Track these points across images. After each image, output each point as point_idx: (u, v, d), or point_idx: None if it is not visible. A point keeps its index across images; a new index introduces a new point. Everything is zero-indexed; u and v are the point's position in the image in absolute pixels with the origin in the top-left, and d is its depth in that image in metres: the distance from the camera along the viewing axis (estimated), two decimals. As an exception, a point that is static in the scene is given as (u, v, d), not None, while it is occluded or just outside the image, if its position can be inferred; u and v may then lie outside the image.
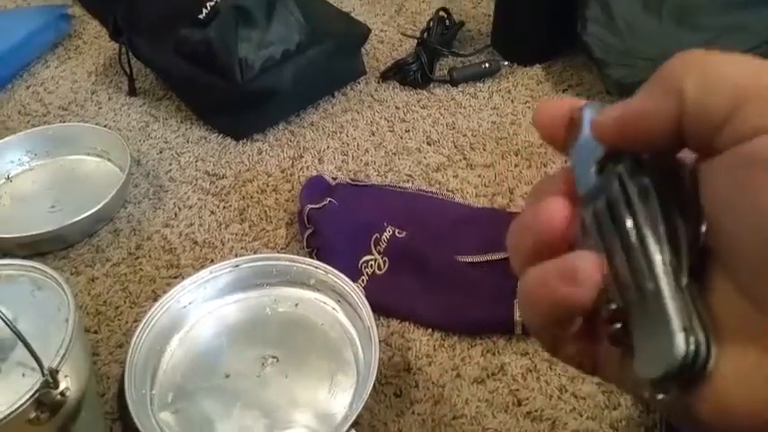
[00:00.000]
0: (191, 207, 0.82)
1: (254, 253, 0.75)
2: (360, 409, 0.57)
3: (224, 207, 0.82)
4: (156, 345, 0.65)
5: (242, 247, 0.77)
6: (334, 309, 0.69)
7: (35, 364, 0.52)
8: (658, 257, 0.22)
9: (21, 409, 0.49)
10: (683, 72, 0.22)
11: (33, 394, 0.50)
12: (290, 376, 0.64)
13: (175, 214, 0.81)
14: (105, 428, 0.60)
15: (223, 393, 0.62)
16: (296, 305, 0.69)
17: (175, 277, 0.74)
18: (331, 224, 0.72)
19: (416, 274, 0.69)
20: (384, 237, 0.71)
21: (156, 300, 0.71)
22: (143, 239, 0.78)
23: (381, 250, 0.71)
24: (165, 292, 0.71)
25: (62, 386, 0.51)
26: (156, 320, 0.65)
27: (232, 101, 0.88)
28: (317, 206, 0.74)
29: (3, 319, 0.48)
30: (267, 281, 0.70)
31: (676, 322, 0.21)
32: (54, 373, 0.51)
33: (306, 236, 0.73)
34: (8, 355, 0.54)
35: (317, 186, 0.78)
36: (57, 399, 0.52)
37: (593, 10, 0.85)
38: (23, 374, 0.52)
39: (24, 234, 0.76)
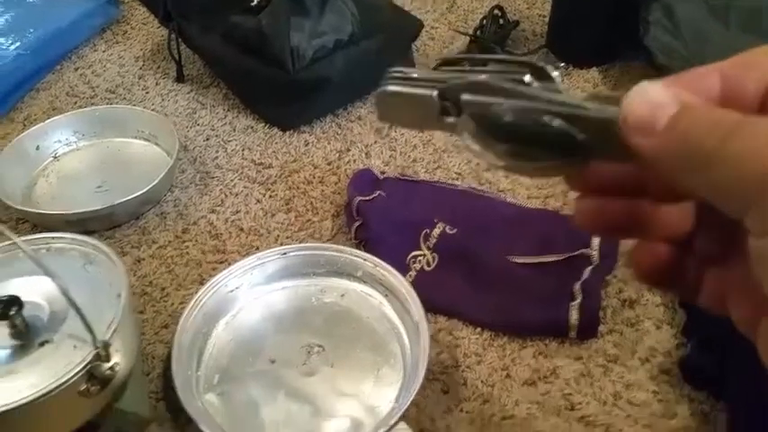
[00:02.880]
0: (237, 194, 0.82)
1: (300, 243, 0.74)
2: (408, 403, 0.56)
3: (270, 196, 0.81)
4: (203, 327, 0.64)
5: (287, 237, 0.76)
6: (380, 302, 0.67)
7: (86, 337, 0.51)
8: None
9: (73, 380, 0.49)
10: None
11: (85, 366, 0.49)
12: (336, 366, 0.62)
13: (222, 201, 0.81)
14: (150, 407, 0.59)
15: (268, 379, 0.61)
16: (342, 296, 0.68)
17: (221, 262, 0.73)
18: (380, 217, 0.71)
19: (466, 272, 0.68)
20: (434, 233, 0.70)
21: (202, 283, 0.70)
22: (189, 224, 0.78)
23: (431, 246, 0.70)
24: (210, 276, 0.71)
25: (113, 360, 0.51)
26: (204, 303, 0.65)
27: (282, 90, 0.88)
28: (367, 198, 0.73)
29: (61, 290, 0.48)
30: (314, 270, 0.69)
31: None
32: (107, 345, 0.50)
33: (354, 228, 0.73)
34: (60, 327, 0.53)
35: (365, 179, 0.78)
36: (106, 373, 0.51)
37: (655, 14, 0.83)
38: (75, 347, 0.52)
39: (72, 211, 0.76)
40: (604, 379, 0.61)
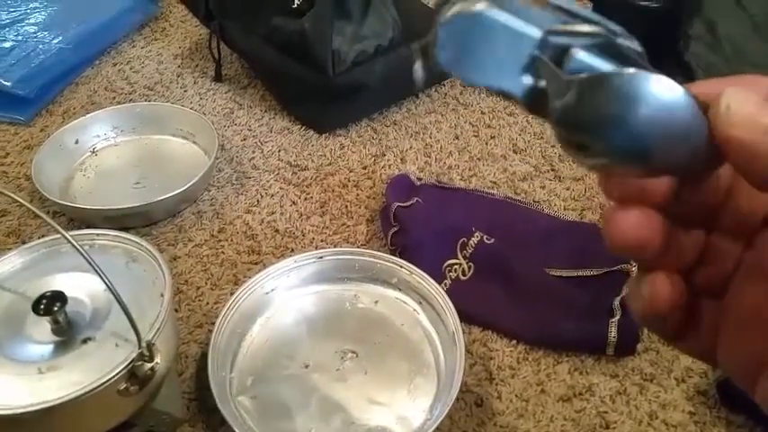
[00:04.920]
0: (272, 195, 0.82)
1: (335, 247, 0.74)
2: (443, 416, 0.56)
3: (305, 198, 0.81)
4: (237, 328, 0.64)
5: (322, 240, 0.76)
6: (415, 310, 0.67)
7: (129, 336, 0.52)
8: None
9: (114, 378, 0.49)
10: None
11: (128, 365, 0.50)
12: (369, 373, 0.63)
13: (258, 201, 0.81)
14: (182, 407, 0.60)
15: (302, 383, 0.62)
16: (376, 302, 0.68)
17: (256, 263, 0.73)
18: (418, 224, 0.71)
19: (503, 284, 0.67)
20: (471, 242, 0.70)
21: (236, 283, 0.71)
22: (225, 223, 0.78)
23: (467, 255, 0.69)
24: (246, 276, 0.71)
25: (155, 360, 0.51)
26: (240, 304, 0.65)
27: (321, 93, 0.88)
28: (405, 204, 0.73)
29: (109, 289, 0.48)
30: (349, 275, 0.70)
31: None
32: (150, 345, 0.50)
33: (390, 234, 0.72)
34: (102, 325, 0.54)
35: (402, 185, 0.77)
36: (147, 373, 0.51)
37: (697, 28, 0.82)
38: (117, 345, 0.52)
39: (111, 207, 0.77)
40: (640, 398, 0.60)
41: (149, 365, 0.50)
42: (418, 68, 0.22)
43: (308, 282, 0.69)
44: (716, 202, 0.24)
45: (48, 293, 0.54)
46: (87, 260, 0.47)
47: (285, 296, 0.68)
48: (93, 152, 0.89)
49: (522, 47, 0.21)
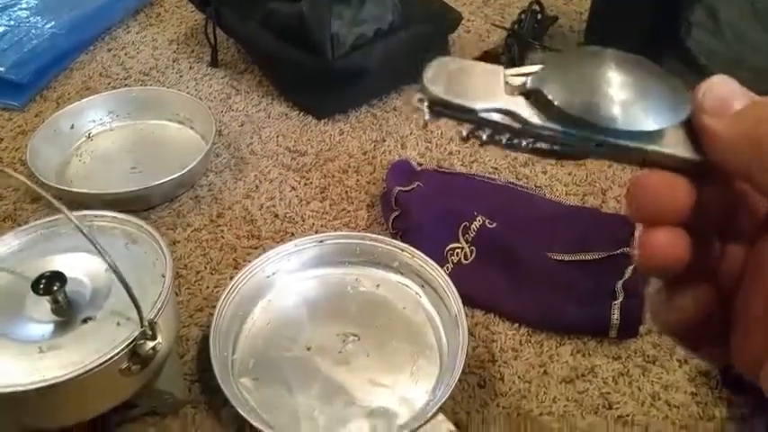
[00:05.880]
0: (271, 181, 0.81)
1: (336, 231, 0.74)
2: (446, 397, 0.56)
3: (305, 183, 0.81)
4: (239, 311, 0.64)
5: (322, 225, 0.76)
6: (417, 293, 0.67)
7: (130, 315, 0.51)
8: None
9: (116, 357, 0.49)
10: None
11: (130, 344, 0.49)
12: (371, 355, 0.62)
13: (256, 187, 0.81)
14: (184, 388, 0.59)
15: (304, 365, 0.61)
16: (377, 286, 0.68)
17: (256, 248, 0.73)
18: (420, 208, 0.70)
19: (505, 268, 0.67)
20: (473, 226, 0.69)
21: (236, 268, 0.70)
22: (224, 208, 0.78)
23: (469, 239, 0.69)
24: (245, 261, 0.71)
25: (157, 339, 0.50)
26: (241, 287, 0.64)
27: (319, 78, 0.87)
28: (407, 189, 0.72)
29: (111, 267, 0.48)
30: (350, 259, 0.69)
31: None
32: (153, 324, 0.50)
33: (392, 218, 0.72)
34: (103, 304, 0.53)
35: (403, 169, 0.77)
36: (149, 352, 0.51)
37: (698, 15, 0.82)
38: (118, 324, 0.51)
39: (108, 191, 0.76)
40: (643, 379, 0.60)
41: (152, 344, 0.50)
42: (425, 111, 0.24)
43: (309, 266, 0.69)
44: (730, 209, 0.25)
45: (47, 273, 0.53)
46: (88, 239, 0.46)
47: (286, 280, 0.68)
48: (89, 137, 0.88)
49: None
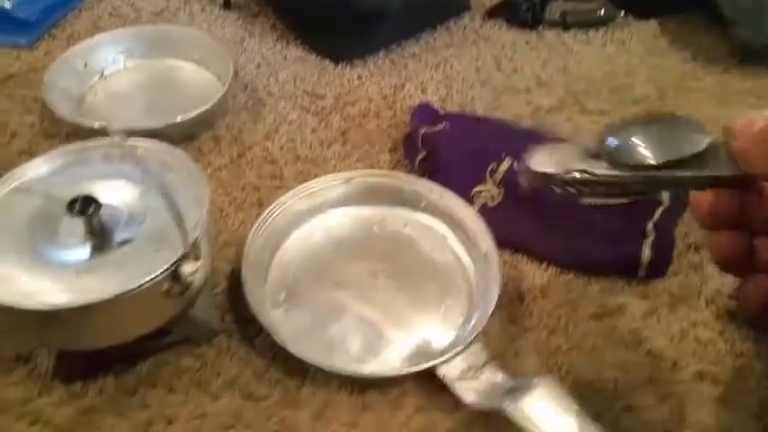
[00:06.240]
0: (290, 123, 0.80)
1: (360, 171, 0.73)
2: (483, 324, 0.56)
3: (325, 126, 0.80)
4: (268, 246, 0.63)
5: (346, 166, 0.75)
6: (444, 234, 0.67)
7: (168, 239, 0.51)
8: None
9: (159, 277, 0.48)
10: None
11: (174, 263, 0.48)
12: (401, 292, 0.62)
13: (276, 128, 0.80)
14: (218, 318, 0.59)
15: (333, 299, 0.61)
16: (405, 225, 0.68)
17: (279, 188, 0.72)
18: (449, 148, 0.70)
19: (533, 209, 0.67)
20: (501, 167, 0.69)
21: (261, 206, 0.70)
22: (245, 149, 0.77)
23: (497, 181, 0.69)
24: (269, 199, 0.70)
25: (199, 262, 0.50)
26: (269, 223, 0.64)
27: (338, 20, 0.86)
28: (434, 129, 0.72)
29: (156, 184, 0.47)
30: (377, 198, 0.69)
31: None
32: (196, 245, 0.49)
33: (418, 159, 0.72)
34: (139, 228, 0.52)
35: (427, 112, 0.76)
36: (188, 277, 0.50)
37: (722, -35, 0.82)
38: (156, 249, 0.51)
39: (130, 128, 0.74)
40: (671, 317, 0.61)
41: (194, 266, 0.49)
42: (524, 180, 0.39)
43: (335, 204, 0.68)
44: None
45: (81, 196, 0.52)
46: (134, 163, 0.45)
47: (313, 218, 0.67)
48: (103, 76, 0.86)
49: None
